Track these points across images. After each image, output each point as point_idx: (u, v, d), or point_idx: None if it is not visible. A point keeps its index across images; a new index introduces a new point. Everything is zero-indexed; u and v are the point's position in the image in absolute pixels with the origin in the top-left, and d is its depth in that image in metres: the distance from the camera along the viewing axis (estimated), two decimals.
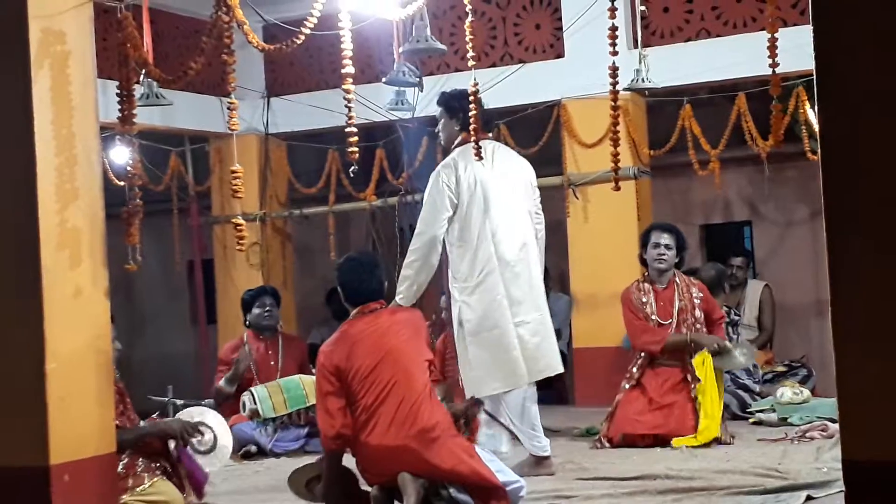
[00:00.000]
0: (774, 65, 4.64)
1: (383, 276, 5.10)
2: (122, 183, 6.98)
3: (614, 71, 5.55)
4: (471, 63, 5.11)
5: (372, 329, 4.89)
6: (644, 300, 6.91)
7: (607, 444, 6.67)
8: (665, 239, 6.95)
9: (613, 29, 5.32)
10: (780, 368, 8.24)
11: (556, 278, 10.18)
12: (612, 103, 5.71)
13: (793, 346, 9.35)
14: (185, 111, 8.95)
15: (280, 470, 6.63)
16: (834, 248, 3.00)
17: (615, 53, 5.44)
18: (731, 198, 10.15)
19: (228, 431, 6.28)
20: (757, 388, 7.67)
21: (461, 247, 5.79)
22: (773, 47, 4.61)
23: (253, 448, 7.22)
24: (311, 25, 4.30)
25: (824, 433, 6.36)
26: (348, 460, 4.95)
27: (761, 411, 7.27)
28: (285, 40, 4.39)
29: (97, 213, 4.13)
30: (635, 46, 7.34)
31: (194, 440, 5.22)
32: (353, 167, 4.85)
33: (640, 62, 6.64)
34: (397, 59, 6.46)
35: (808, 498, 4.90)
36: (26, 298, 3.88)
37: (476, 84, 5.17)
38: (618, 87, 5.66)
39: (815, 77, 3.04)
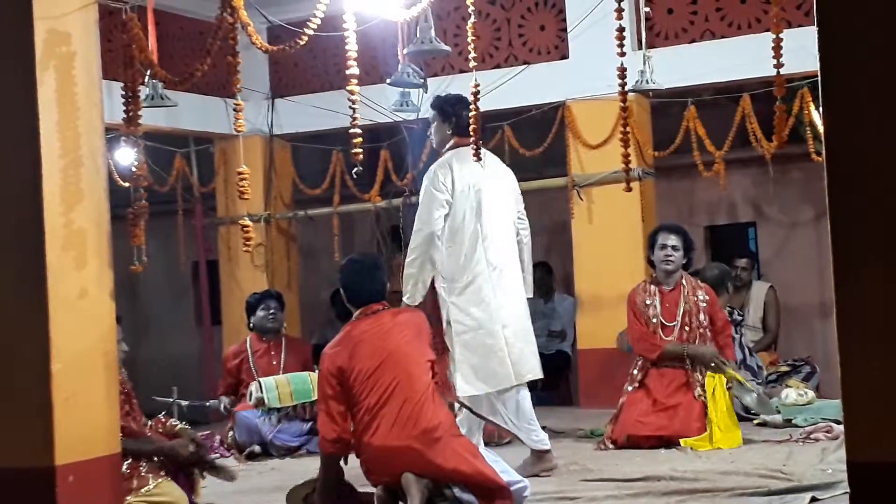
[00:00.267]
0: (779, 65, 4.64)
1: (385, 277, 5.12)
2: (127, 184, 7.01)
3: (623, 72, 5.55)
4: (472, 64, 5.11)
5: (374, 330, 4.90)
6: (648, 302, 6.91)
7: (612, 446, 6.67)
8: (672, 240, 6.95)
9: (621, 30, 5.32)
10: (784, 368, 8.24)
11: (561, 279, 10.18)
12: (622, 104, 5.71)
13: (797, 347, 9.34)
14: (190, 112, 8.96)
15: (284, 471, 6.65)
16: (838, 249, 3.00)
17: (623, 55, 5.44)
18: (735, 199, 10.14)
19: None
20: (761, 389, 7.65)
21: (451, 247, 5.84)
22: (777, 48, 4.61)
23: (257, 448, 7.26)
24: (316, 27, 4.30)
25: (829, 434, 6.35)
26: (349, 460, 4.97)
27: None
28: (289, 41, 4.39)
29: (102, 214, 4.13)
30: (640, 48, 7.33)
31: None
32: (357, 168, 4.86)
33: (644, 63, 6.64)
34: (402, 60, 6.47)
35: (813, 499, 4.90)
36: (32, 299, 3.89)
37: (477, 85, 5.17)
38: (625, 89, 5.66)
39: (819, 78, 3.04)
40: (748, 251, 9.75)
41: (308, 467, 5.86)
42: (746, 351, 8.03)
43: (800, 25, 7.53)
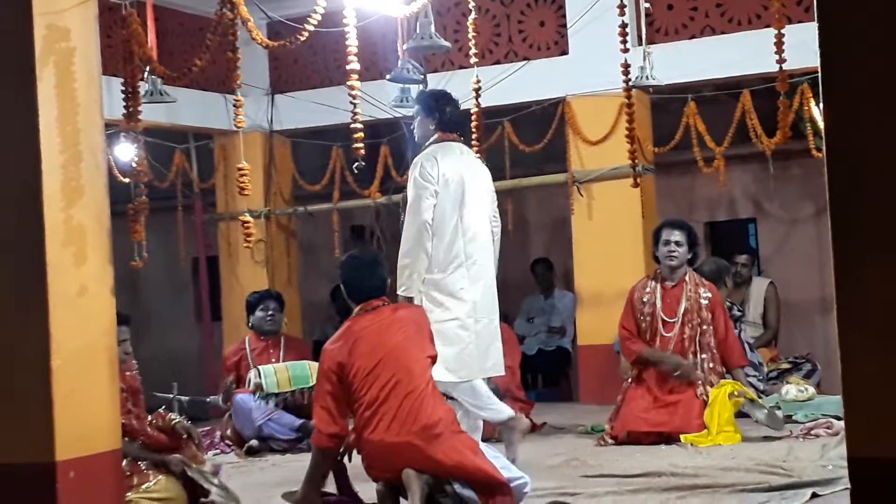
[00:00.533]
0: (781, 60, 4.65)
1: (385, 273, 5.12)
2: (127, 180, 7.00)
3: (626, 68, 5.55)
4: (473, 60, 5.12)
5: (374, 326, 4.90)
6: (645, 299, 6.92)
7: (612, 442, 6.67)
8: (676, 236, 6.95)
9: (623, 26, 5.33)
10: (785, 365, 8.24)
11: (561, 276, 10.18)
12: (626, 100, 5.71)
13: (798, 343, 9.34)
14: (190, 108, 8.95)
15: (284, 467, 6.65)
16: (839, 245, 2.99)
17: (626, 51, 5.44)
18: (735, 195, 10.14)
19: None
20: (762, 385, 7.66)
21: (433, 239, 5.83)
22: (779, 43, 4.61)
23: (255, 443, 7.27)
24: (316, 22, 4.30)
25: (829, 430, 6.34)
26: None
27: None
28: (289, 37, 4.39)
29: (102, 210, 4.13)
30: (640, 44, 7.32)
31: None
32: (358, 163, 4.85)
33: (644, 59, 6.63)
34: (402, 56, 6.46)
35: (814, 495, 4.89)
36: (32, 295, 3.89)
37: (478, 81, 5.18)
38: (628, 84, 5.66)
39: (819, 74, 3.03)
40: (748, 247, 9.74)
41: (308, 463, 5.85)
42: (747, 347, 8.03)
43: (800, 21, 7.52)
